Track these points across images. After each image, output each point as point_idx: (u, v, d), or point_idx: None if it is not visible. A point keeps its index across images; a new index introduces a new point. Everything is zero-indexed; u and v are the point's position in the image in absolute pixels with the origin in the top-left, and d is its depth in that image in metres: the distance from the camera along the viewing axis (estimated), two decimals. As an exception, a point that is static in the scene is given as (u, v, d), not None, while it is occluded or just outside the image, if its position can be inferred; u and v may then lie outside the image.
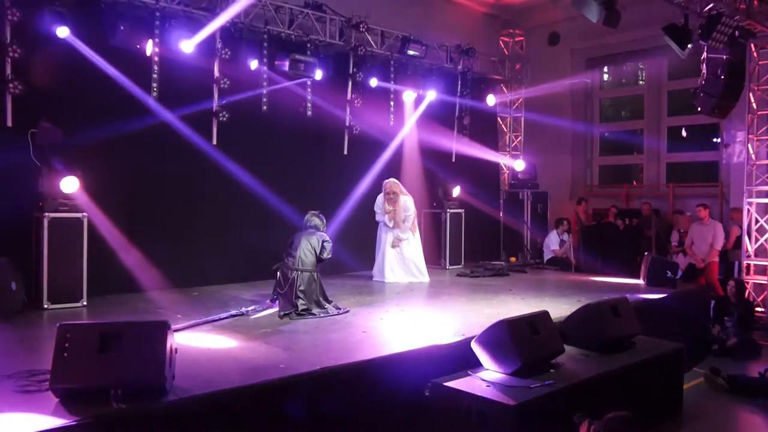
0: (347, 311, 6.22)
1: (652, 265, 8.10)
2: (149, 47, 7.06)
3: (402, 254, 8.44)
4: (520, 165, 11.86)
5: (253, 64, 8.12)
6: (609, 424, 3.32)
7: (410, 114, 10.15)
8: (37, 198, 6.14)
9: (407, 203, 8.47)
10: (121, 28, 6.87)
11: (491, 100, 11.55)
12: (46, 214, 6.03)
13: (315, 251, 6.19)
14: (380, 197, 8.48)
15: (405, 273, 8.42)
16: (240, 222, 7.87)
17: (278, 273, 6.22)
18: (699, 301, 8.08)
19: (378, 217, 8.53)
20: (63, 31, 6.45)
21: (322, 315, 6.03)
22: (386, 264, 8.41)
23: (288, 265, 6.13)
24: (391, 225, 8.43)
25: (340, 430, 4.12)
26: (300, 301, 6.00)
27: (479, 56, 11.23)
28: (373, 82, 9.36)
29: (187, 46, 7.32)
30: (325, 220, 6.56)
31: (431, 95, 10.14)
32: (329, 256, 6.28)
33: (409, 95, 10.02)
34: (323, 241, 6.26)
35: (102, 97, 6.83)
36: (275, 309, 6.21)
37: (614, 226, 10.80)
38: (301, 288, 6.03)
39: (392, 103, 9.92)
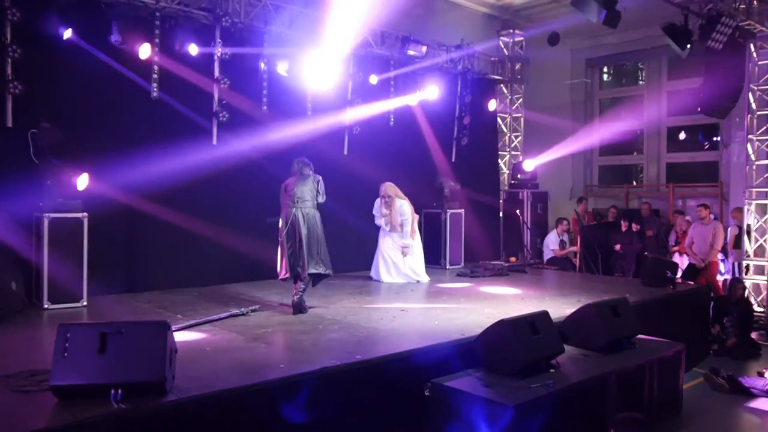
0: (329, 274, 6.34)
1: (651, 265, 8.10)
2: (146, 50, 7.04)
3: (401, 260, 8.41)
4: (529, 165, 11.89)
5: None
6: (620, 425, 3.31)
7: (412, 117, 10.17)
8: (37, 198, 6.13)
9: (403, 207, 8.43)
10: (121, 27, 6.86)
11: (492, 104, 11.55)
12: (46, 214, 6.03)
13: (312, 192, 6.30)
14: (378, 201, 8.50)
15: (403, 278, 8.40)
16: (240, 222, 7.86)
17: (279, 221, 6.30)
18: (699, 301, 8.07)
19: (377, 221, 8.53)
20: (66, 33, 6.45)
21: (319, 268, 6.17)
22: (382, 268, 8.41)
23: (287, 204, 6.24)
24: (387, 229, 8.43)
25: (340, 431, 4.12)
26: (303, 231, 6.10)
27: (479, 56, 11.23)
28: (373, 79, 9.35)
29: (194, 49, 7.37)
30: (312, 166, 6.59)
31: (431, 95, 10.14)
32: (324, 198, 6.39)
33: (409, 96, 10.02)
34: (317, 181, 6.37)
35: (102, 96, 6.83)
36: (275, 309, 6.22)
37: (615, 226, 10.80)
38: (302, 221, 6.13)
39: (392, 103, 9.93)
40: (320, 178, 6.44)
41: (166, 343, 3.51)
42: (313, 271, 6.16)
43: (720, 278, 9.57)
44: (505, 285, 8.16)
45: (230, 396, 3.64)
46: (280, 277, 6.31)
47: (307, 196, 6.26)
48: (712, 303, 8.38)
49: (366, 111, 9.40)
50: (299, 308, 6.04)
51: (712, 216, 9.52)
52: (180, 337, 4.67)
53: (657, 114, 11.84)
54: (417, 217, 8.74)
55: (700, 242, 9.35)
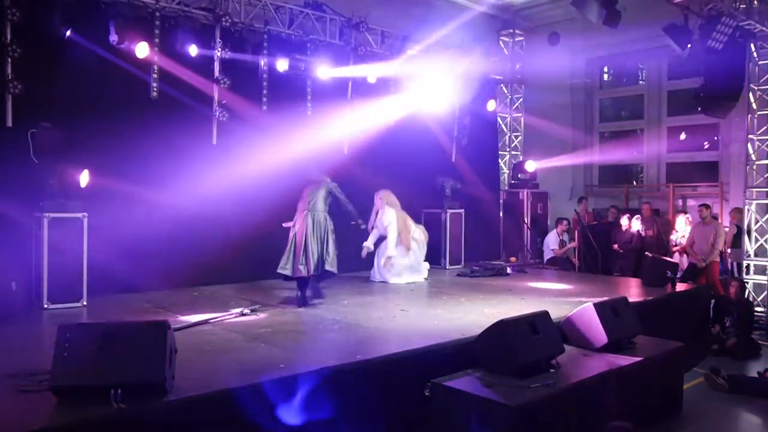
0: (334, 274, 6.56)
1: (651, 265, 8.09)
2: (144, 49, 7.03)
3: (400, 260, 8.38)
4: (530, 166, 11.89)
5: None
6: None
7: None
8: (37, 198, 6.14)
9: (387, 215, 8.33)
10: (119, 27, 6.85)
11: (491, 105, 11.54)
12: (46, 213, 6.03)
13: (323, 200, 6.59)
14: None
15: (402, 278, 8.36)
16: (240, 222, 7.86)
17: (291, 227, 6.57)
18: (699, 301, 8.07)
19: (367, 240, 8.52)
20: (66, 32, 6.45)
21: (326, 265, 6.39)
22: (380, 269, 8.42)
23: (302, 209, 6.55)
24: (373, 230, 8.42)
25: (340, 431, 4.11)
26: (310, 233, 6.37)
27: (479, 56, 11.22)
28: (372, 78, 9.35)
29: (194, 50, 7.40)
30: (323, 172, 6.86)
31: (431, 95, 10.13)
32: (348, 202, 6.76)
33: (409, 95, 10.01)
34: (329, 190, 6.67)
35: (102, 96, 6.83)
36: (275, 309, 6.22)
37: (615, 225, 10.78)
38: (311, 225, 6.41)
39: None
40: (335, 185, 6.71)
41: (166, 343, 3.51)
42: (319, 269, 6.35)
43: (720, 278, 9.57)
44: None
45: (230, 396, 3.64)
46: (295, 275, 6.45)
47: (319, 202, 6.57)
48: (712, 303, 8.38)
49: (366, 111, 9.39)
50: (303, 303, 6.28)
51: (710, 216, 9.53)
52: (180, 337, 4.67)
53: (657, 114, 11.84)
54: (412, 229, 8.55)
55: (701, 242, 9.34)
